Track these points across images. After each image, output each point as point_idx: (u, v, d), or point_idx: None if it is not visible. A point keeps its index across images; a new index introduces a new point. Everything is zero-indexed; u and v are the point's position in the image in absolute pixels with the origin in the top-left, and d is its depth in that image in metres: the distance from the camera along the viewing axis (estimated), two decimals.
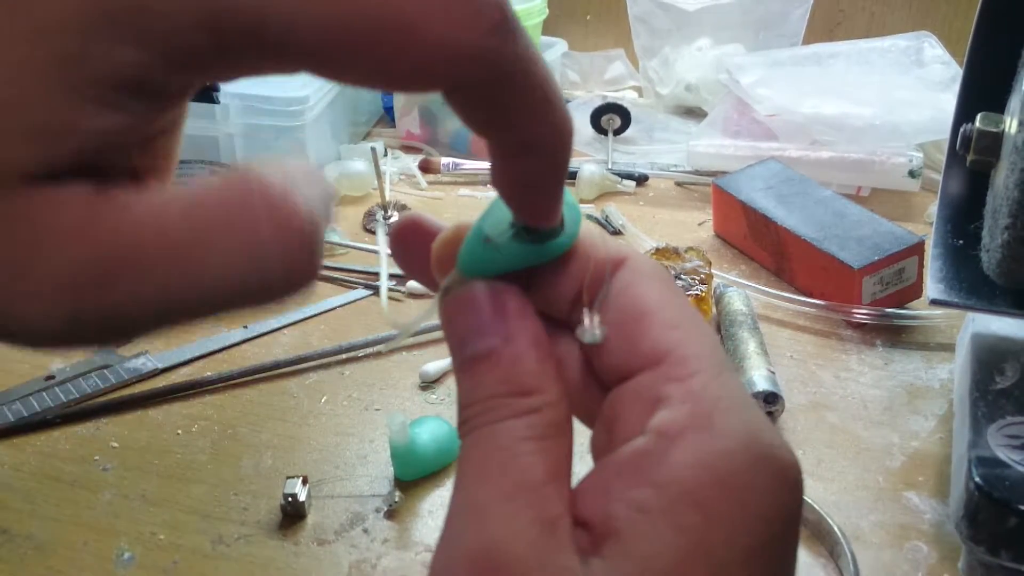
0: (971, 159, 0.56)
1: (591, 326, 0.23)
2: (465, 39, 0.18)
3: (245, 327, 0.72)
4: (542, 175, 0.22)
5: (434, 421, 0.58)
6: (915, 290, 0.74)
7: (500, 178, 0.22)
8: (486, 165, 1.05)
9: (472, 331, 0.23)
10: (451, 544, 0.21)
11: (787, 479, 0.20)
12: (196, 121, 0.90)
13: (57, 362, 0.68)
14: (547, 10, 1.10)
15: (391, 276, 0.79)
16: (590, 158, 1.05)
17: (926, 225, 0.86)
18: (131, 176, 0.20)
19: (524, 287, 0.24)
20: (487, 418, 0.22)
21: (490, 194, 0.97)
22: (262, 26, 0.18)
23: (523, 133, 0.21)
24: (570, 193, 0.24)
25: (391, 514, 0.54)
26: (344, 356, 0.69)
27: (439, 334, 0.72)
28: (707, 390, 0.21)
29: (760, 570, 0.20)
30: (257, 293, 0.19)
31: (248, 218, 0.18)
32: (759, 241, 0.82)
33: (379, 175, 0.90)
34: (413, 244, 0.25)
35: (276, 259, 0.19)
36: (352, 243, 0.85)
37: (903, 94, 0.96)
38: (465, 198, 0.97)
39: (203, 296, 0.19)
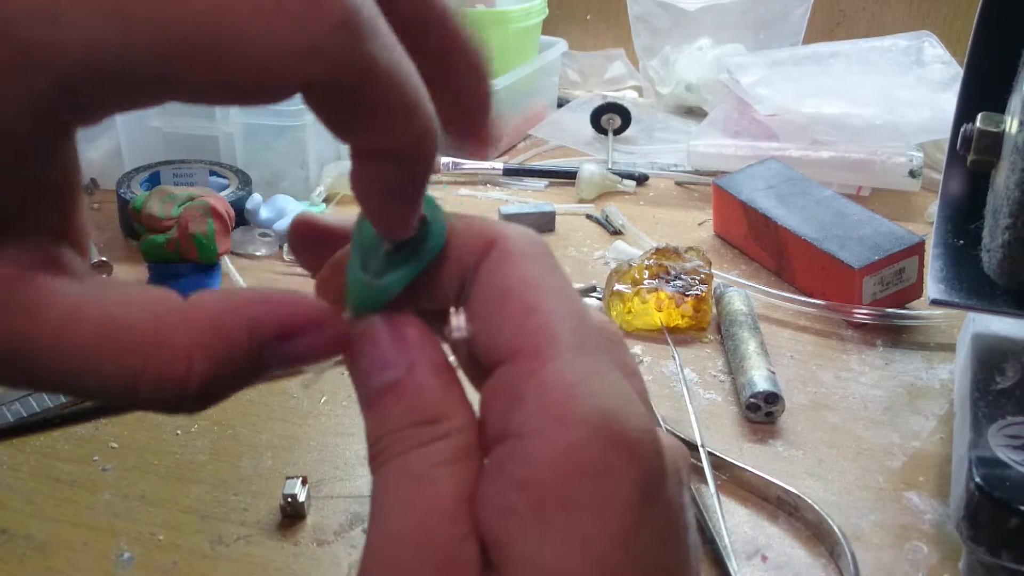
0: (972, 159, 0.56)
1: (455, 322, 0.23)
2: (303, 38, 0.18)
3: None
4: (400, 184, 0.22)
5: None
6: (915, 290, 0.74)
7: (357, 184, 0.22)
8: (486, 165, 1.05)
9: (373, 365, 0.22)
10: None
11: (639, 457, 0.20)
12: (196, 121, 0.90)
13: None
14: (547, 10, 1.10)
15: None
16: (590, 158, 1.05)
17: (926, 225, 0.86)
18: (53, 238, 0.22)
19: (413, 297, 0.23)
20: (396, 449, 0.21)
21: (491, 194, 0.97)
22: (107, 71, 0.18)
23: (380, 138, 0.21)
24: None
25: None
26: None
27: None
28: (561, 379, 0.20)
29: (641, 551, 0.19)
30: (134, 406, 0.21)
31: (131, 359, 0.20)
32: (759, 241, 0.82)
33: None
34: (311, 246, 0.25)
35: (149, 395, 0.21)
36: None
37: (903, 94, 0.96)
38: (465, 197, 0.97)
39: (82, 393, 0.21)
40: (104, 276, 0.22)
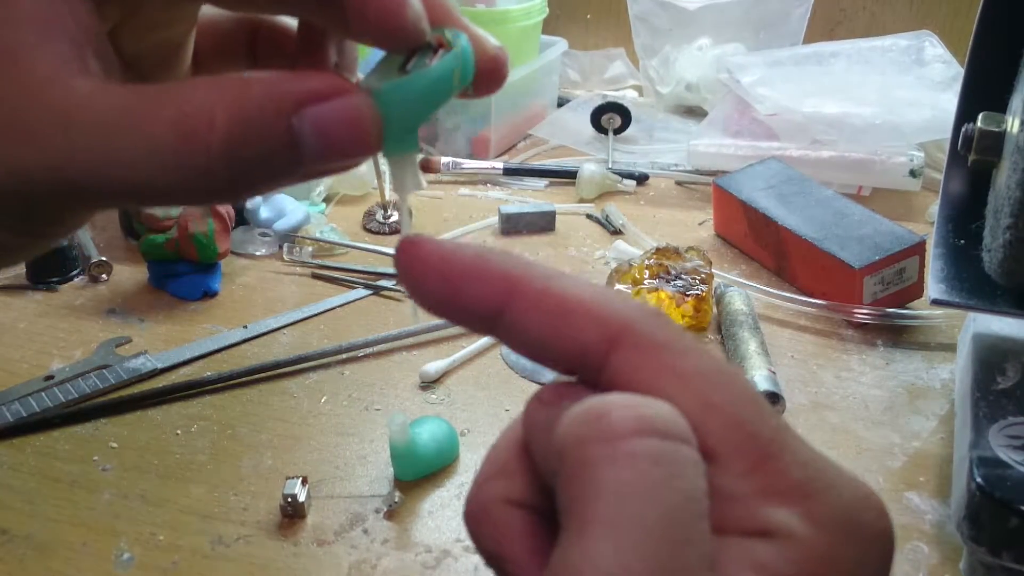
0: (972, 159, 0.56)
1: None
2: None
3: (245, 327, 0.72)
4: None
5: (434, 421, 0.58)
6: (916, 290, 0.74)
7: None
8: (486, 165, 1.05)
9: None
10: None
11: (888, 547, 0.21)
12: None
13: (56, 362, 0.68)
14: (547, 9, 1.10)
15: (390, 276, 0.79)
16: (590, 157, 1.05)
17: (927, 225, 0.86)
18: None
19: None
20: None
21: (491, 194, 0.97)
22: None
23: None
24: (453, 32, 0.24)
25: (391, 514, 0.54)
26: (344, 356, 0.69)
27: (439, 334, 0.72)
28: (798, 478, 0.20)
29: None
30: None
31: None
32: (760, 241, 0.82)
33: (379, 174, 0.89)
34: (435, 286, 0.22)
35: (174, 164, 0.20)
36: (352, 243, 0.85)
37: (904, 93, 0.96)
38: (465, 197, 0.97)
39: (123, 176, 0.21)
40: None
